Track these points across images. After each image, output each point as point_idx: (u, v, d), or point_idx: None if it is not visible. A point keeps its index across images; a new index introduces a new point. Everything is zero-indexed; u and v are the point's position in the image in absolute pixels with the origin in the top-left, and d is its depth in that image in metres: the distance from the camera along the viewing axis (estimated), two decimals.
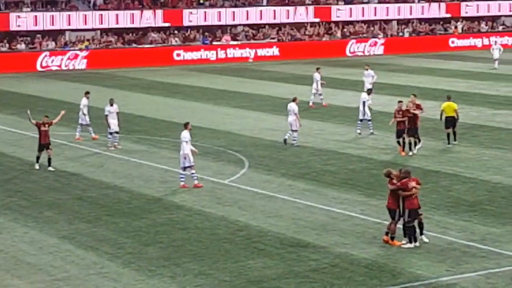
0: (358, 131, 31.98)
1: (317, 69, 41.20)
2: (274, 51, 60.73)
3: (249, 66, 57.84)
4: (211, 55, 59.60)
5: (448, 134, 28.75)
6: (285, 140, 29.56)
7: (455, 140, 28.44)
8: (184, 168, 24.07)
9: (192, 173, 24.00)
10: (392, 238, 17.71)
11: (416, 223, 17.54)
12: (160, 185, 24.34)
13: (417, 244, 17.64)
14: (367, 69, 42.48)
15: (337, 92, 45.56)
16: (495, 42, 59.53)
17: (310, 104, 40.01)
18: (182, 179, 24.16)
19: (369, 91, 35.07)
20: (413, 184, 17.50)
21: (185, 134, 24.21)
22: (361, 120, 32.08)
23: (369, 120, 31.88)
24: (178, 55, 59.17)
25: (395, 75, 51.96)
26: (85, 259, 17.05)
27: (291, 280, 15.29)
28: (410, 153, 26.73)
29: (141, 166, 27.60)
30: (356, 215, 20.29)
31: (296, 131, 29.46)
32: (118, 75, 54.74)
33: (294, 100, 29.95)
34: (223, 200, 22.60)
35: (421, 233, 17.88)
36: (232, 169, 26.73)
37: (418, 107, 27.55)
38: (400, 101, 28.36)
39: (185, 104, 42.93)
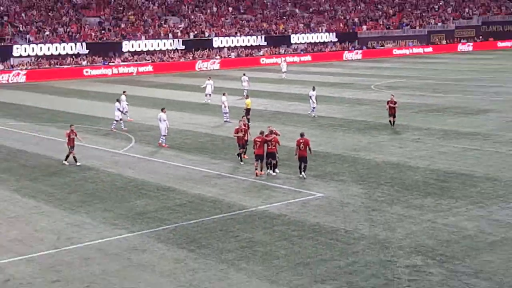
0: (225, 118, 35.65)
1: (209, 77, 45.95)
2: (149, 68, 69.40)
3: (133, 78, 62.98)
4: (108, 71, 66.52)
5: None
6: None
7: None
8: (164, 135, 29.06)
9: (163, 139, 29.12)
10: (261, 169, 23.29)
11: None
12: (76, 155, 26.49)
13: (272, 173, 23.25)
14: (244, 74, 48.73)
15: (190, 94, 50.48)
16: (284, 59, 68.45)
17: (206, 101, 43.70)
18: (161, 141, 29.21)
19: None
20: (270, 138, 23.03)
21: (163, 115, 29.21)
22: (225, 113, 35.76)
23: (225, 113, 35.64)
24: (87, 72, 65.67)
25: (228, 82, 56.24)
26: (28, 203, 20.79)
27: (164, 211, 19.21)
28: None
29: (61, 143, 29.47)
30: (204, 170, 24.76)
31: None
32: (46, 86, 57.98)
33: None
34: (119, 163, 26.68)
35: (274, 167, 23.40)
36: (124, 144, 30.66)
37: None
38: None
39: (92, 103, 46.87)
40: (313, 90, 37.45)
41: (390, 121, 32.18)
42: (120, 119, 34.16)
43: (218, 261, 15.22)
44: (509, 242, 16.07)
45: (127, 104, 36.70)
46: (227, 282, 14.01)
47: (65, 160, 26.17)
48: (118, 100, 35.20)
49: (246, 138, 25.72)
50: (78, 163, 25.86)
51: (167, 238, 17.06)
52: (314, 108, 36.37)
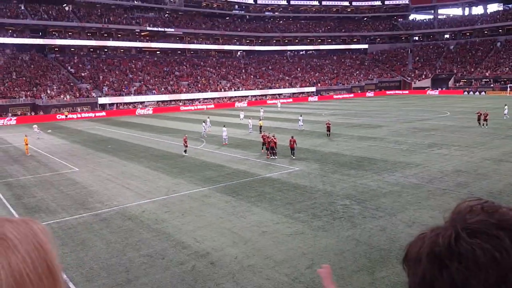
0: (250, 131, 33.82)
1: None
2: (212, 106, 67.43)
3: (205, 111, 60.36)
4: (192, 107, 65.44)
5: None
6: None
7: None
8: (225, 138, 27.99)
9: (225, 139, 27.83)
10: (269, 154, 22.71)
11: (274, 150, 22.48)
12: (180, 152, 25.63)
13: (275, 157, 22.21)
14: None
15: (232, 118, 49.61)
16: (279, 101, 67.14)
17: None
18: (224, 141, 28.04)
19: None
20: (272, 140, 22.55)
21: (224, 129, 28.54)
22: (250, 128, 34.28)
23: (250, 128, 34.37)
24: (182, 108, 64.69)
25: (251, 112, 54.81)
26: (152, 173, 20.16)
27: (220, 177, 18.70)
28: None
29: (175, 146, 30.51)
30: (240, 156, 23.95)
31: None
32: (162, 115, 57.53)
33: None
34: (198, 153, 25.54)
35: (275, 154, 22.49)
36: (200, 143, 29.50)
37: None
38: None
39: (184, 123, 44.80)
40: (300, 116, 36.77)
41: (327, 134, 30.48)
42: (204, 131, 33.48)
43: (246, 202, 15.00)
44: (393, 192, 15.82)
45: (210, 125, 36.14)
46: (251, 212, 13.90)
47: (184, 152, 24.87)
48: (204, 122, 34.69)
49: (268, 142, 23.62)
50: (186, 154, 24.69)
51: (221, 190, 16.72)
52: (301, 125, 34.96)
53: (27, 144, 27.13)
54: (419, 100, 66.79)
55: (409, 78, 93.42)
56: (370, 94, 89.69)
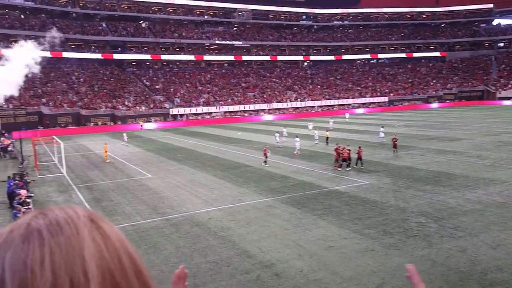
0: (316, 142, 33.14)
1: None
2: (281, 116, 67.47)
3: (271, 121, 60.68)
4: (258, 118, 65.47)
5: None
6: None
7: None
8: (298, 149, 27.31)
9: (298, 150, 27.40)
10: (337, 166, 22.40)
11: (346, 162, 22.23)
12: (252, 162, 26.29)
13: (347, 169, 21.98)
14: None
15: (300, 129, 50.03)
16: (347, 113, 61.66)
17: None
18: (296, 152, 27.62)
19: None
20: (345, 151, 22.41)
21: (297, 139, 27.71)
22: (315, 139, 33.28)
23: (316, 139, 33.40)
24: (249, 118, 65.06)
25: (318, 123, 52.99)
26: (219, 181, 20.78)
27: (285, 188, 18.54)
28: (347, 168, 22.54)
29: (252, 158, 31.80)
30: (306, 168, 23.82)
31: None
32: (228, 126, 59.92)
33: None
34: (270, 165, 24.94)
35: (348, 166, 22.22)
36: (270, 156, 28.49)
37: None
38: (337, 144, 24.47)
39: (249, 134, 45.91)
40: (382, 127, 34.60)
41: (393, 150, 27.04)
42: (277, 142, 32.84)
43: (312, 215, 14.86)
44: (474, 211, 14.81)
45: (286, 135, 35.97)
46: (316, 225, 13.73)
47: (264, 163, 24.89)
48: (278, 132, 34.31)
49: (339, 154, 22.94)
50: (267, 164, 24.48)
51: (286, 201, 16.72)
52: (382, 136, 32.69)
53: (106, 152, 29.02)
54: (505, 111, 61.54)
55: (493, 88, 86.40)
56: (448, 104, 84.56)
